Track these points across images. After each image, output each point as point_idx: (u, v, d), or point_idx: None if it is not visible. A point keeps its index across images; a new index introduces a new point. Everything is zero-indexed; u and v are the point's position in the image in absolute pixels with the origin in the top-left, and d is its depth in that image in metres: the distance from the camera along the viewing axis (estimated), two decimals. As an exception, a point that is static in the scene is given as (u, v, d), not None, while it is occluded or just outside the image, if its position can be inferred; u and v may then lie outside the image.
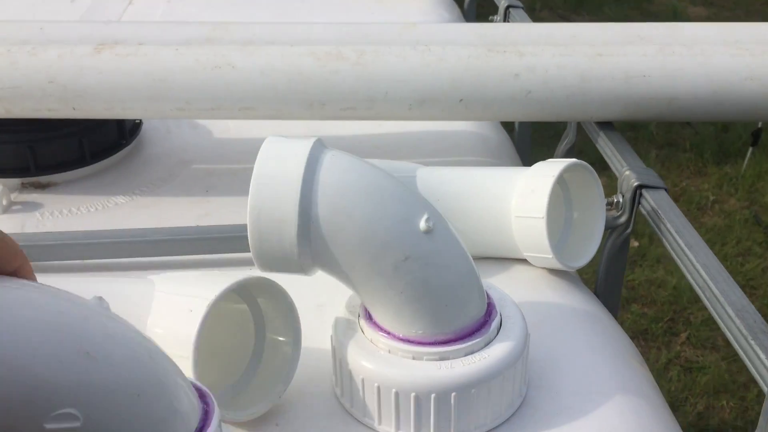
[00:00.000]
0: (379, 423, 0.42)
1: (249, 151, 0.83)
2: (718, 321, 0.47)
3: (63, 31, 0.71)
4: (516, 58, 0.66)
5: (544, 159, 0.56)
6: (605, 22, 0.74)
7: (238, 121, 0.86)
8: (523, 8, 1.01)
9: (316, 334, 0.47)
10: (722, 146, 2.24)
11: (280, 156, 0.40)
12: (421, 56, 0.66)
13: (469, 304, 0.42)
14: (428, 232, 0.40)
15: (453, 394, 0.40)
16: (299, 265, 0.41)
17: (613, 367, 0.48)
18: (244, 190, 0.75)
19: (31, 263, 0.37)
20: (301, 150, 0.40)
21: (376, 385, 0.41)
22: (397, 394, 0.40)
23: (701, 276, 0.49)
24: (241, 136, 0.85)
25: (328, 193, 0.40)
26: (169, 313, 0.39)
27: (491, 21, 1.05)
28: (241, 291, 0.41)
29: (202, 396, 0.31)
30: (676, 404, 1.44)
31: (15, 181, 0.73)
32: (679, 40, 0.69)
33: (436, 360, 0.41)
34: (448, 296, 0.41)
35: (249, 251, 0.58)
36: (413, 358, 0.41)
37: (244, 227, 0.61)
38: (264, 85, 0.66)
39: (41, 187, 0.74)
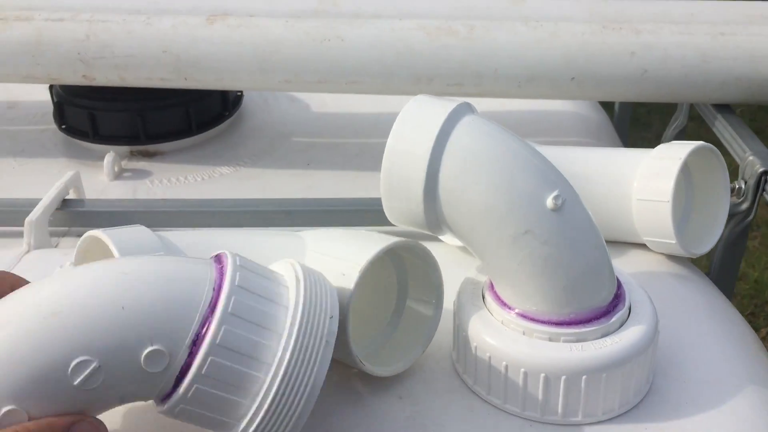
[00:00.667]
0: (504, 402, 0.42)
1: (347, 125, 0.84)
2: None
3: (171, 2, 0.72)
4: (632, 35, 0.64)
5: (639, 142, 0.54)
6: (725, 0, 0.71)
7: (335, 96, 0.86)
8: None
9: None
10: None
11: (422, 113, 0.40)
12: (533, 32, 0.65)
13: (598, 286, 0.41)
14: (555, 209, 0.39)
15: (584, 377, 0.39)
16: (425, 222, 0.41)
17: (741, 358, 0.46)
18: (344, 164, 0.77)
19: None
20: (442, 110, 0.40)
21: (504, 363, 0.40)
22: (525, 374, 0.40)
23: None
24: (338, 111, 0.86)
25: (457, 153, 0.40)
26: (323, 272, 0.39)
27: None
28: (388, 251, 0.41)
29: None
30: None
31: (125, 149, 0.76)
32: (807, 19, 0.65)
33: (574, 341, 0.40)
34: (571, 276, 0.40)
35: (360, 225, 0.58)
36: (549, 339, 0.40)
37: (350, 201, 0.62)
38: (372, 59, 0.66)
39: (149, 155, 0.76)
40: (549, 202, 0.39)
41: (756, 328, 1.58)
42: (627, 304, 0.42)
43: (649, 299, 0.44)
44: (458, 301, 0.44)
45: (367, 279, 0.40)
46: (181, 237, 0.44)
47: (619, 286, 0.43)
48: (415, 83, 0.67)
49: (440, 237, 0.49)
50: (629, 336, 0.41)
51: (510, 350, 0.40)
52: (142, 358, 0.32)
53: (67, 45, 0.67)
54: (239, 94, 0.84)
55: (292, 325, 0.33)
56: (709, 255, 0.59)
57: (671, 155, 0.51)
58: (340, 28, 0.67)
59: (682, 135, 0.77)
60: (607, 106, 0.97)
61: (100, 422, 0.33)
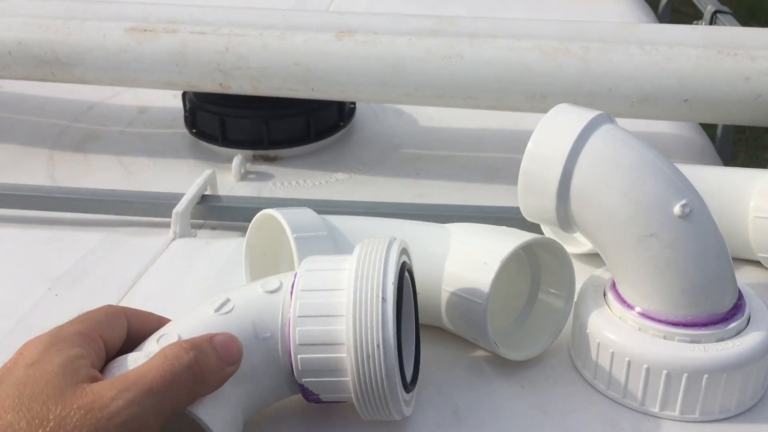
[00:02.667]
0: (623, 396, 0.44)
1: (453, 139, 0.89)
2: None
3: (302, 19, 0.78)
4: (747, 61, 0.66)
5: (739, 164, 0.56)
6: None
7: (440, 111, 0.90)
8: (732, 14, 0.99)
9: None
10: None
11: (563, 119, 0.44)
12: (648, 55, 0.68)
13: (719, 293, 0.43)
14: (682, 216, 0.42)
15: (705, 376, 0.42)
16: (556, 219, 0.45)
17: None
18: (452, 176, 0.81)
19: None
20: (582, 118, 0.43)
21: (626, 359, 0.43)
22: (647, 370, 0.42)
23: None
24: (443, 125, 0.90)
25: (591, 157, 0.43)
26: (466, 261, 0.43)
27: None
28: (525, 246, 0.45)
29: None
30: None
31: (249, 153, 0.82)
32: None
33: (688, 342, 0.42)
34: (692, 280, 0.42)
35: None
36: (664, 338, 0.43)
37: (464, 208, 0.65)
38: (489, 75, 0.70)
39: (270, 160, 0.82)
40: (677, 209, 0.42)
41: None
42: (746, 315, 0.44)
43: (768, 309, 0.45)
44: (580, 298, 0.47)
45: (505, 270, 0.44)
46: (341, 221, 0.49)
47: (741, 297, 0.45)
48: (528, 100, 0.70)
49: (566, 245, 0.52)
50: (750, 341, 0.43)
51: (632, 347, 0.43)
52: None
53: (208, 56, 0.74)
54: (353, 106, 0.89)
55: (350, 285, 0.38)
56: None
57: (790, 175, 0.52)
58: (460, 46, 0.71)
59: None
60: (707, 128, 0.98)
61: (235, 337, 0.38)
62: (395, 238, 0.41)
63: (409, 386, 0.41)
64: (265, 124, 0.80)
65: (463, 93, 0.71)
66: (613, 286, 0.46)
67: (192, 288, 0.56)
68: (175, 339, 0.38)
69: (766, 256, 0.54)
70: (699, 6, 1.05)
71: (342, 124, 0.85)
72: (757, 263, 0.56)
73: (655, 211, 0.42)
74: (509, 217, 0.59)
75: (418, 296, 0.44)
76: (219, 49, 0.74)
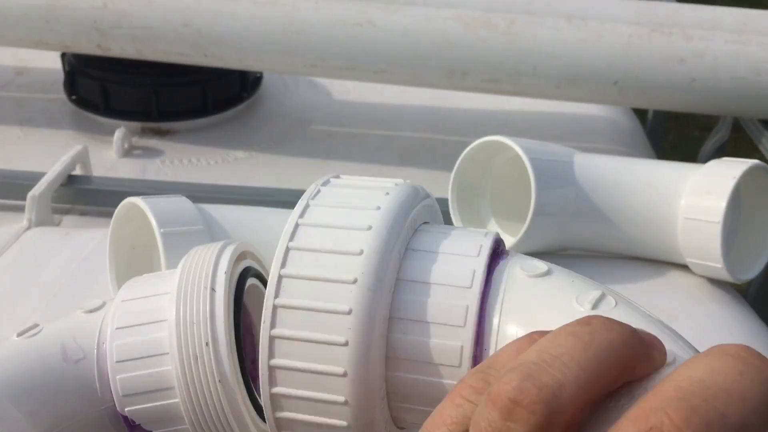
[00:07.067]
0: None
1: (369, 114, 0.81)
2: None
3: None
4: (683, 41, 0.60)
5: (669, 153, 0.51)
6: (779, 9, 0.67)
7: (357, 85, 0.82)
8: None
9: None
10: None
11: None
12: (576, 30, 0.61)
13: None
14: None
15: None
16: None
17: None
18: (366, 157, 0.74)
19: None
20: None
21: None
22: None
23: None
24: (361, 100, 0.82)
25: None
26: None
27: None
28: None
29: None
30: None
31: (135, 125, 0.72)
32: None
33: None
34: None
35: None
36: None
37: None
38: (405, 47, 0.62)
39: (161, 133, 0.73)
40: None
41: None
42: None
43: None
44: None
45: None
46: (222, 211, 0.42)
47: None
48: (447, 76, 0.63)
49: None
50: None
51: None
52: None
53: (82, 12, 0.64)
54: (258, 75, 0.80)
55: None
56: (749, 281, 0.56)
57: (724, 173, 0.47)
58: (373, 12, 0.63)
59: (722, 150, 0.73)
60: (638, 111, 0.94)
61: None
62: (231, 242, 0.34)
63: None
64: (155, 92, 0.71)
65: (375, 66, 0.63)
66: None
67: (43, 287, 0.47)
68: None
69: (696, 261, 0.49)
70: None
71: (245, 95, 0.77)
72: (685, 267, 0.51)
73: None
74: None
75: None
76: (96, 4, 0.64)
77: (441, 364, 0.26)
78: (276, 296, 0.26)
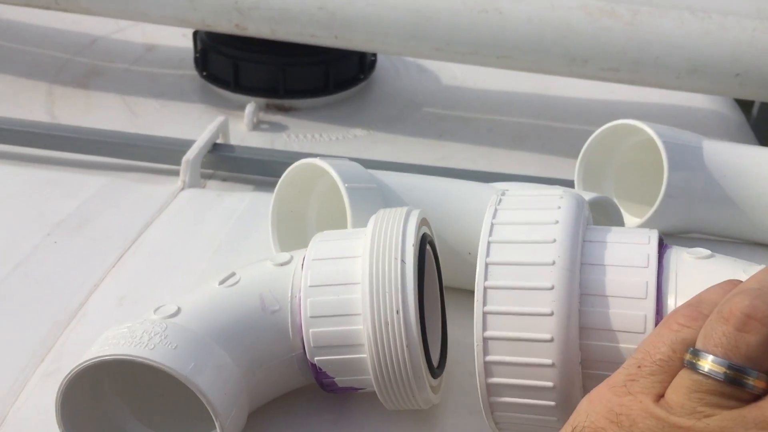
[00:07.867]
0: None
1: (478, 100, 0.84)
2: None
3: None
4: (807, 36, 0.61)
5: None
6: None
7: (465, 70, 0.85)
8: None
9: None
10: None
11: None
12: (700, 22, 0.63)
13: None
14: None
15: None
16: None
17: None
18: (476, 139, 0.77)
19: None
20: None
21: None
22: None
23: None
24: (468, 85, 0.85)
25: None
26: None
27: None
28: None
29: None
30: None
31: (261, 101, 0.77)
32: None
33: None
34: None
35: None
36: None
37: (491, 175, 0.61)
38: (528, 34, 0.65)
39: (284, 109, 0.77)
40: None
41: None
42: None
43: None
44: None
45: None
46: (387, 177, 0.45)
47: None
48: (568, 64, 0.66)
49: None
50: None
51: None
52: None
53: (225, -7, 0.68)
54: (373, 58, 0.84)
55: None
56: None
57: None
58: (499, 0, 0.66)
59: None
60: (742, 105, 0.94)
61: None
62: (413, 209, 0.37)
63: (435, 371, 0.37)
64: (282, 71, 0.75)
65: (499, 51, 0.66)
66: None
67: (203, 243, 0.52)
68: (174, 310, 0.34)
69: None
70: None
71: (362, 76, 0.81)
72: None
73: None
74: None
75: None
76: (238, -14, 0.68)
77: (627, 331, 0.31)
78: (486, 279, 0.32)
